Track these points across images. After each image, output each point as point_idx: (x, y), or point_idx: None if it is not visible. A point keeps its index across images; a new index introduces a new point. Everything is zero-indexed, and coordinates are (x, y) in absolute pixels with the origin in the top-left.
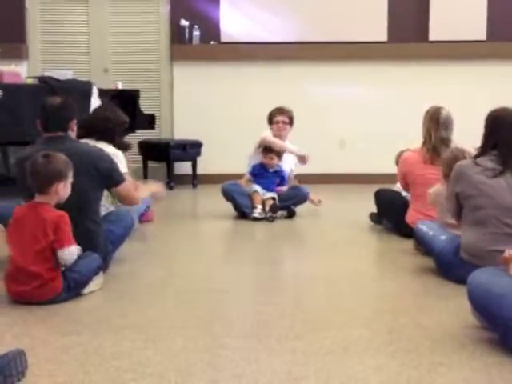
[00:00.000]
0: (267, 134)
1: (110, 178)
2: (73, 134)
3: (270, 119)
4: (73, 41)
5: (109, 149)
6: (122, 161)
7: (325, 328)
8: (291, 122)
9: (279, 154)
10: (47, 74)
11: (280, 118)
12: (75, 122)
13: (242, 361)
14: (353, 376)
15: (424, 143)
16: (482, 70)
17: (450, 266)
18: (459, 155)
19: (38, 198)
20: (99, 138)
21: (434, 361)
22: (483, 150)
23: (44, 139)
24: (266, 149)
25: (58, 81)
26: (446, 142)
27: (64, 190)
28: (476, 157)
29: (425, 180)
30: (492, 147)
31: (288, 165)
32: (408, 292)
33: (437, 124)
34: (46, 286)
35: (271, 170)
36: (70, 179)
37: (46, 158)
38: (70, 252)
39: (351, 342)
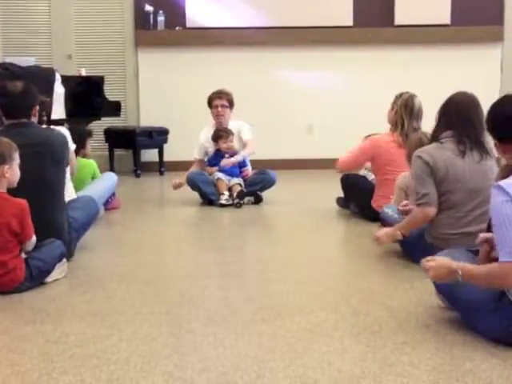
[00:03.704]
0: (202, 137)
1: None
2: (34, 119)
3: (210, 103)
4: (35, 27)
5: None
6: (68, 136)
7: (291, 312)
8: (231, 105)
9: (232, 134)
10: (8, 60)
11: (219, 102)
12: (37, 108)
13: (208, 345)
14: (319, 358)
15: (395, 128)
16: (446, 53)
17: (414, 249)
18: (423, 138)
19: None
20: None
21: (398, 341)
22: (436, 132)
23: (7, 126)
24: (220, 136)
25: (20, 67)
26: (416, 131)
27: (11, 172)
28: (431, 140)
29: (394, 164)
30: (445, 128)
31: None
32: (374, 275)
33: (411, 113)
34: (9, 275)
35: (227, 156)
36: (17, 161)
37: None
38: (33, 241)
39: (317, 325)
